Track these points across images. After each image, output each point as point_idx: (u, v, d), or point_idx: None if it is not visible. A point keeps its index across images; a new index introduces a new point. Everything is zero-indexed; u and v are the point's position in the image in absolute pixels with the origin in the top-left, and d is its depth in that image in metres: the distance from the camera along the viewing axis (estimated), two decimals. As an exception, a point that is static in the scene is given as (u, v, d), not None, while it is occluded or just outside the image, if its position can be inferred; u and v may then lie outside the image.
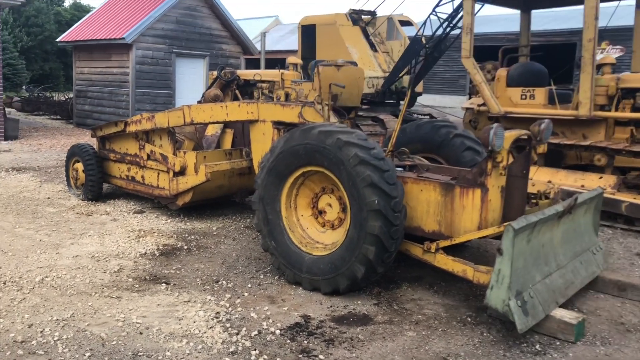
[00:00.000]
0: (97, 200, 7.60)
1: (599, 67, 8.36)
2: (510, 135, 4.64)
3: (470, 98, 11.44)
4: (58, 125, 18.10)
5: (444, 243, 4.58)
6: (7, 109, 16.86)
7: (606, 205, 6.72)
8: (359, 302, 4.57)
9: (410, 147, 5.79)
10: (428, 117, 13.13)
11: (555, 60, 12.61)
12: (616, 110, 8.14)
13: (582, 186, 7.41)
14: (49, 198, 7.78)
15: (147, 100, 15.74)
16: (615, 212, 6.98)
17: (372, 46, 13.94)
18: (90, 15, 18.40)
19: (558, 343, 3.97)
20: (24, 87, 28.00)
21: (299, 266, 4.76)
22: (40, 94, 21.93)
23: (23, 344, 3.69)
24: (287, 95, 7.40)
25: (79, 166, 7.67)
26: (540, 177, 7.67)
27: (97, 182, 7.51)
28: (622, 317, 4.48)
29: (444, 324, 4.24)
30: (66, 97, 20.74)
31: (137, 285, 4.76)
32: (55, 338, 3.77)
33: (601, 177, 7.47)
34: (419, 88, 14.05)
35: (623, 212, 6.92)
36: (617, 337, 4.12)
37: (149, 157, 6.95)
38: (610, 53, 18.72)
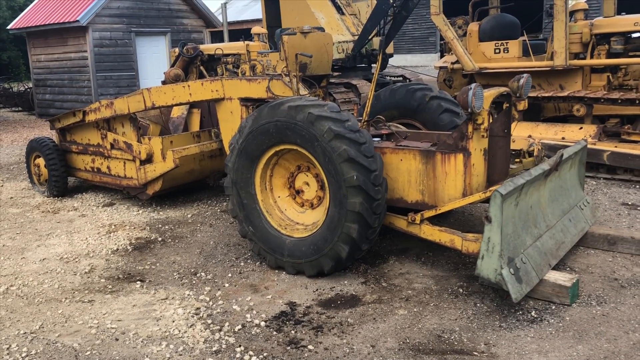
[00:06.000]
0: (63, 196, 7.24)
1: (571, 13, 8.15)
2: (490, 94, 4.42)
3: (442, 56, 11.18)
4: (19, 117, 17.40)
5: (428, 213, 4.38)
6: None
7: (588, 156, 6.59)
8: (346, 282, 4.37)
9: (386, 114, 5.54)
10: (401, 79, 12.83)
11: (523, 10, 12.34)
12: (591, 57, 7.96)
13: (563, 138, 7.27)
14: (11, 198, 7.39)
15: (110, 84, 15.15)
16: (597, 162, 6.86)
17: (339, 9, 13.49)
18: (40, -1, 17.53)
19: (554, 307, 3.83)
20: (-18, 79, 26.87)
21: (280, 250, 4.53)
22: (-2, 86, 21.06)
23: (-12, 364, 3.42)
24: (253, 68, 7.05)
25: (41, 161, 7.28)
26: (520, 132, 7.51)
27: (61, 177, 7.14)
28: (615, 272, 4.36)
29: (435, 297, 4.07)
30: (26, 86, 19.93)
31: (110, 286, 4.49)
32: (24, 354, 3.50)
33: (581, 128, 7.33)
34: (390, 49, 13.69)
35: (605, 162, 6.81)
36: (612, 295, 4.00)
37: (112, 147, 6.59)
38: (578, -2, 18.51)
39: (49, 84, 16.31)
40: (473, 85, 4.15)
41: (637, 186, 6.60)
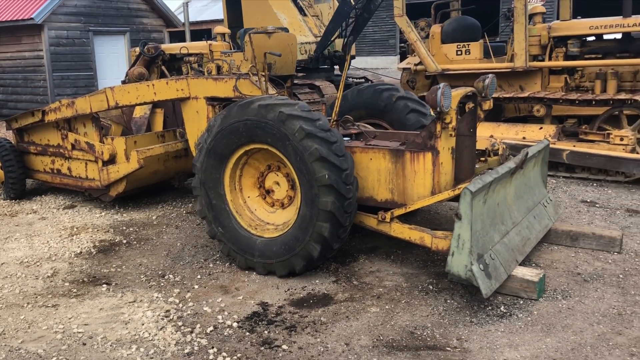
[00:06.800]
0: (21, 199, 6.99)
1: (530, 17, 8.37)
2: (457, 94, 4.49)
3: (402, 58, 11.31)
4: (-30, 118, 16.76)
5: (398, 211, 4.41)
6: None
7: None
8: (317, 281, 4.36)
9: (353, 114, 5.57)
10: (363, 80, 12.93)
11: (480, 14, 12.61)
12: (550, 59, 8.19)
13: (524, 138, 7.46)
14: (-35, 201, 7.10)
15: (67, 84, 14.74)
16: (556, 161, 7.05)
17: (301, 10, 13.51)
18: (-8, -5, 16.90)
19: (522, 302, 3.91)
20: None
21: (250, 251, 4.49)
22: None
23: (-53, 374, 3.27)
24: (218, 68, 6.98)
25: (-4, 163, 7.02)
26: (482, 133, 7.63)
27: (18, 179, 6.89)
28: (578, 267, 4.49)
29: (406, 294, 4.11)
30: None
31: (74, 290, 4.36)
32: (-15, 362, 3.37)
33: (541, 128, 7.54)
34: (352, 51, 13.77)
35: (564, 161, 7.01)
36: (577, 289, 4.12)
37: (73, 147, 6.40)
38: (533, 2, 19.06)
39: (2, 84, 15.73)
40: (441, 84, 4.21)
41: (595, 184, 6.83)
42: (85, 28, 15.02)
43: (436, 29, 9.16)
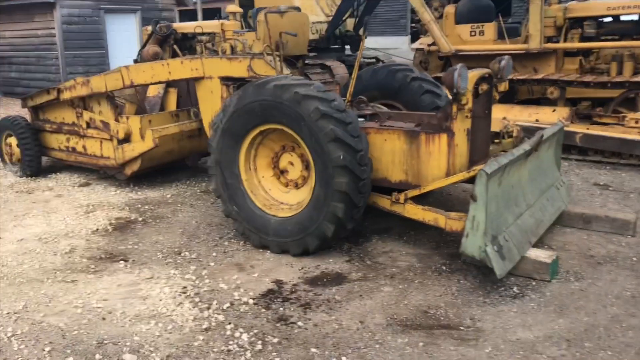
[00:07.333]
0: (37, 176, 7.07)
1: (546, -3, 8.27)
2: (474, 75, 4.47)
3: (413, 39, 11.21)
4: (-17, 96, 16.85)
5: (412, 193, 4.43)
6: None
7: (561, 138, 6.75)
8: (331, 260, 4.41)
9: (367, 94, 5.55)
10: (375, 60, 12.85)
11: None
12: (565, 40, 8.10)
13: (537, 120, 7.42)
14: (-18, 178, 7.19)
15: (79, 62, 14.75)
16: (569, 144, 7.02)
17: (313, -11, 13.36)
18: (4, -27, 16.85)
19: (534, 283, 3.95)
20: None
21: (265, 230, 4.54)
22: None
23: (-27, 345, 3.36)
24: (232, 48, 6.97)
25: (12, 140, 7.08)
26: (495, 115, 7.57)
27: (34, 156, 6.97)
28: (591, 249, 4.51)
29: (420, 275, 4.15)
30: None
31: (92, 266, 4.44)
32: (9, 334, 3.45)
33: (554, 110, 7.49)
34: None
35: (577, 143, 6.98)
36: (589, 271, 4.14)
37: (88, 126, 6.45)
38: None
39: (15, 62, 15.78)
40: (458, 65, 4.19)
41: (608, 167, 6.81)
42: (96, 6, 14.98)
43: (450, 9, 9.07)
